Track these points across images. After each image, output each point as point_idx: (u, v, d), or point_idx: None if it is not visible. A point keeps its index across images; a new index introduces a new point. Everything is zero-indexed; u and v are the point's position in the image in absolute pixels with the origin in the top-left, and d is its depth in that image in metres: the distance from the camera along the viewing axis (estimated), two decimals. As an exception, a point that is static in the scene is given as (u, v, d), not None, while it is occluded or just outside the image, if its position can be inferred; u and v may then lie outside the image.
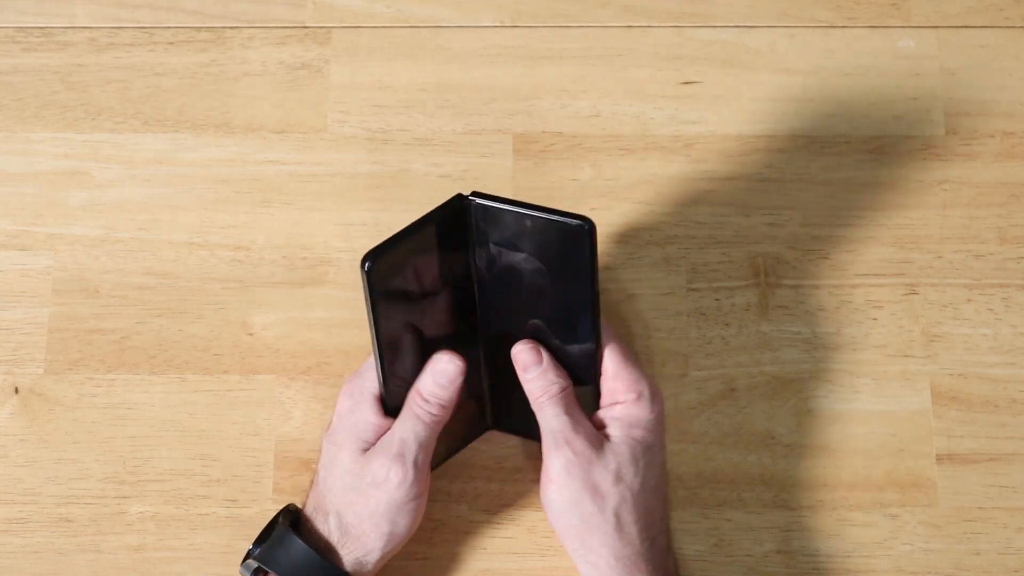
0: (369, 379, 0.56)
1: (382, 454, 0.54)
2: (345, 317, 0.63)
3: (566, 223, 0.51)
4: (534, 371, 0.55)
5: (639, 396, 0.55)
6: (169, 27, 0.68)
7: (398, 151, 0.66)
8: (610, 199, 0.65)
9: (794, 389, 0.63)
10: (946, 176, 0.66)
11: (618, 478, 0.54)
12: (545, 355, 0.55)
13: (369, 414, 0.55)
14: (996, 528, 0.61)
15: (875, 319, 0.64)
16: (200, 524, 0.61)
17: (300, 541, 0.54)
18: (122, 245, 0.64)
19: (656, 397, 0.56)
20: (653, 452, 0.55)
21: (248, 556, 0.57)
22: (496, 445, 0.62)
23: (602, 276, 0.64)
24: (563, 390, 0.55)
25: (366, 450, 0.55)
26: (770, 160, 0.66)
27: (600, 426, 0.56)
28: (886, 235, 0.65)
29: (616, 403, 0.55)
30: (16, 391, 0.63)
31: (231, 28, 0.68)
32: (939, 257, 0.64)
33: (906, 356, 0.63)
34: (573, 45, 0.67)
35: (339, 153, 0.66)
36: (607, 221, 0.65)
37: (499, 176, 0.65)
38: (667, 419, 0.62)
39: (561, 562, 0.61)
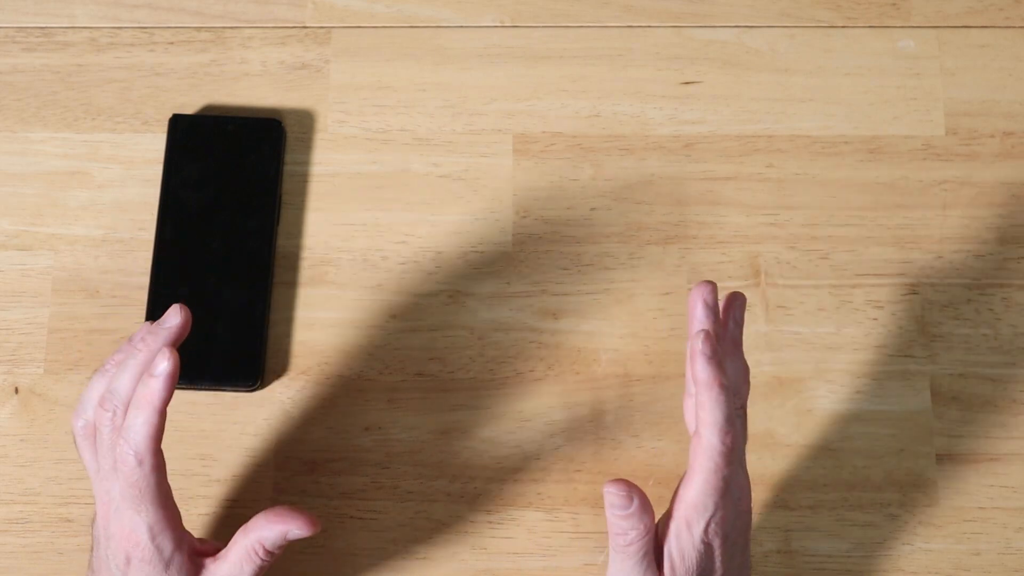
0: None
1: None
2: (345, 317, 0.63)
3: (258, 120, 0.65)
4: (620, 512, 0.52)
5: (688, 525, 0.51)
6: (169, 27, 0.68)
7: (398, 151, 0.66)
8: (610, 199, 0.65)
9: (794, 389, 0.63)
10: (946, 176, 0.66)
11: None
12: (636, 500, 0.51)
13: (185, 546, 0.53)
14: (996, 528, 0.61)
15: (875, 319, 0.64)
16: (200, 524, 0.61)
17: None
18: (122, 245, 0.64)
19: (708, 526, 0.51)
20: None
21: None
22: (496, 445, 0.62)
23: (603, 276, 0.64)
24: (639, 540, 0.52)
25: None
26: (770, 160, 0.66)
27: (656, 547, 0.53)
28: (886, 235, 0.65)
29: (672, 520, 0.52)
30: (16, 391, 0.63)
31: (231, 28, 0.68)
32: (939, 257, 0.64)
33: (906, 356, 0.63)
34: (573, 45, 0.68)
35: (339, 153, 0.66)
36: (607, 221, 0.65)
37: (499, 176, 0.65)
38: (668, 420, 0.62)
39: (561, 562, 0.61)
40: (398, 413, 0.62)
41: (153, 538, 0.52)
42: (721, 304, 0.55)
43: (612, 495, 0.51)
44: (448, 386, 0.63)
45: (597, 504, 0.61)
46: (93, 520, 0.55)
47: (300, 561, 0.60)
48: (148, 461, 0.51)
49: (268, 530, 0.52)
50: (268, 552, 0.53)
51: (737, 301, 0.54)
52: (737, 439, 0.51)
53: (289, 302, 0.64)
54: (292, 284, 0.64)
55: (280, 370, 0.63)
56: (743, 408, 0.54)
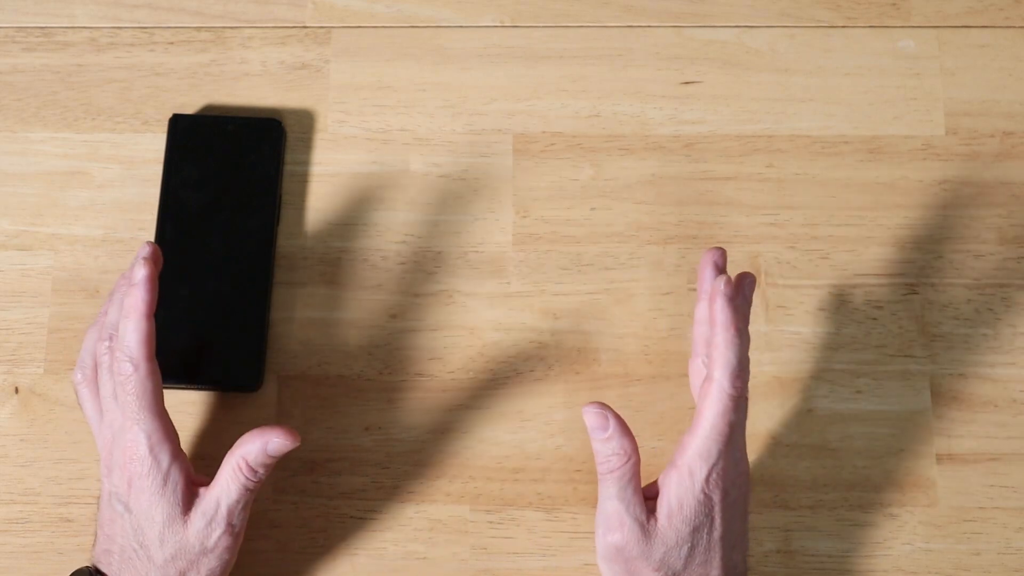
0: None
1: (205, 519, 0.53)
2: (345, 317, 0.63)
3: (258, 120, 0.65)
4: (600, 435, 0.53)
5: (690, 472, 0.52)
6: (169, 27, 0.68)
7: (398, 151, 0.66)
8: (610, 199, 0.65)
9: (794, 389, 0.63)
10: (946, 176, 0.66)
11: (661, 565, 0.52)
12: (612, 421, 0.53)
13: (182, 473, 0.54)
14: (996, 528, 0.61)
15: (875, 319, 0.64)
16: (200, 524, 0.61)
17: None
18: (122, 245, 0.64)
19: (710, 475, 0.52)
20: (700, 533, 0.52)
21: None
22: (496, 445, 0.62)
23: (603, 276, 0.64)
24: (621, 466, 0.52)
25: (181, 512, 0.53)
26: (770, 160, 0.66)
27: (654, 495, 0.53)
28: (886, 235, 0.65)
29: (673, 468, 0.53)
30: (16, 391, 0.63)
31: (231, 28, 0.68)
32: (939, 257, 0.64)
33: (906, 356, 0.63)
34: (573, 45, 0.67)
35: (339, 153, 0.66)
36: (607, 221, 0.65)
37: (499, 176, 0.65)
38: (667, 420, 0.62)
39: (561, 562, 0.61)
40: (398, 413, 0.62)
41: (151, 448, 0.53)
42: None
43: (589, 416, 0.53)
44: (448, 386, 0.63)
45: (597, 504, 0.61)
46: (99, 500, 0.56)
47: (300, 561, 0.60)
48: (143, 367, 0.53)
49: (249, 445, 0.54)
50: (251, 469, 0.54)
51: (747, 279, 0.55)
52: (746, 388, 0.52)
53: (289, 302, 0.64)
54: (292, 284, 0.64)
55: (280, 370, 0.63)
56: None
